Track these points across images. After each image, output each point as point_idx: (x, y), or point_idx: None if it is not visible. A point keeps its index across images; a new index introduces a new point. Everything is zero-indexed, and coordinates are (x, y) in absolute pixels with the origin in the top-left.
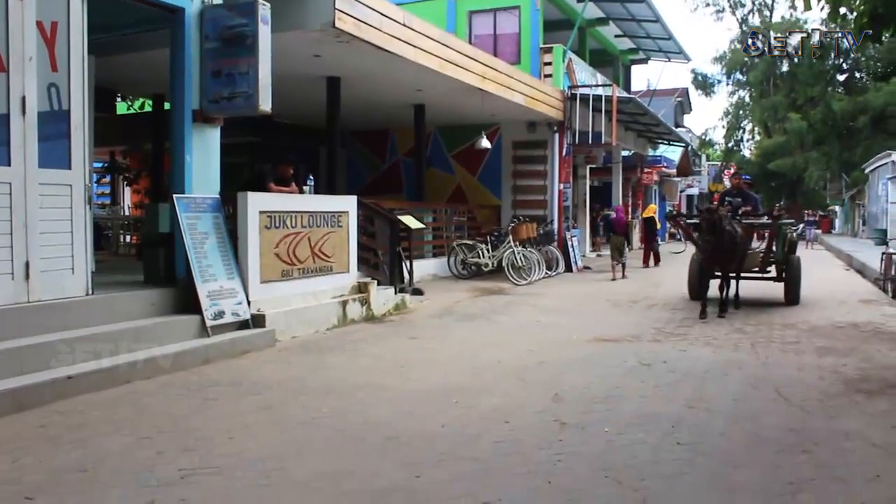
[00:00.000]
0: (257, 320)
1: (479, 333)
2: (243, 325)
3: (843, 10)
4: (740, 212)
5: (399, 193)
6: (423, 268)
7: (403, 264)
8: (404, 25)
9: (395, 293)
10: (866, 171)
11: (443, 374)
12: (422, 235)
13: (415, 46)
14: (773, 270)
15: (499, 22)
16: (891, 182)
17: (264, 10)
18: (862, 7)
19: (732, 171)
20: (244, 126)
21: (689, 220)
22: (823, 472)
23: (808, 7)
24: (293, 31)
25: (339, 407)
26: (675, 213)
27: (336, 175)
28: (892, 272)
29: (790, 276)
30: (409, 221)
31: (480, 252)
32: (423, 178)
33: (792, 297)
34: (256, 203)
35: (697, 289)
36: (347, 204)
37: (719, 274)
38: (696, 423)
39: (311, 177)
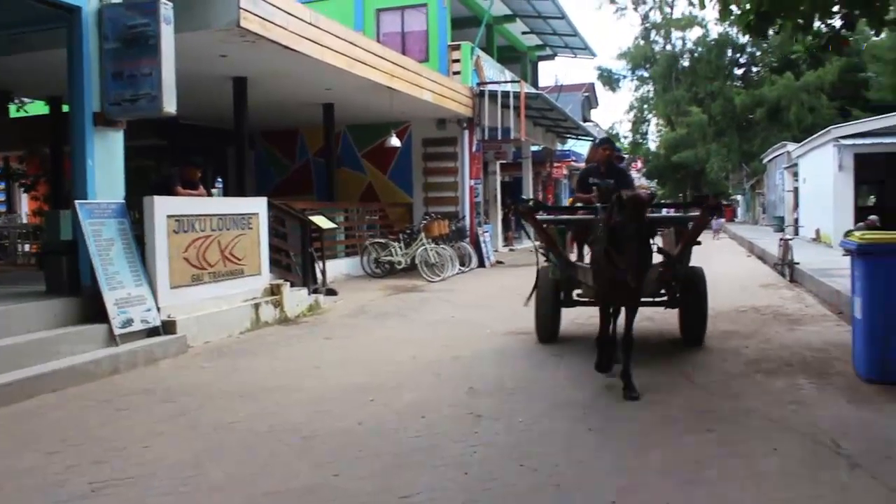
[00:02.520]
0: (168, 327)
1: (393, 331)
2: (153, 332)
3: (732, 7)
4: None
5: (310, 194)
6: (337, 268)
7: (316, 265)
8: (311, 24)
9: (309, 294)
10: (764, 161)
11: (358, 372)
12: (334, 235)
13: (322, 45)
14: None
15: (406, 19)
16: (787, 171)
17: (166, 10)
18: (748, 5)
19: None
20: (149, 128)
21: (567, 215)
22: (726, 449)
23: (702, 6)
24: (197, 30)
25: (255, 410)
26: (532, 202)
27: (245, 177)
28: (789, 257)
29: (694, 299)
30: (321, 222)
31: (393, 250)
32: (333, 178)
33: (696, 332)
34: (163, 207)
35: (550, 327)
36: (257, 206)
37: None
38: (606, 409)
39: (220, 179)
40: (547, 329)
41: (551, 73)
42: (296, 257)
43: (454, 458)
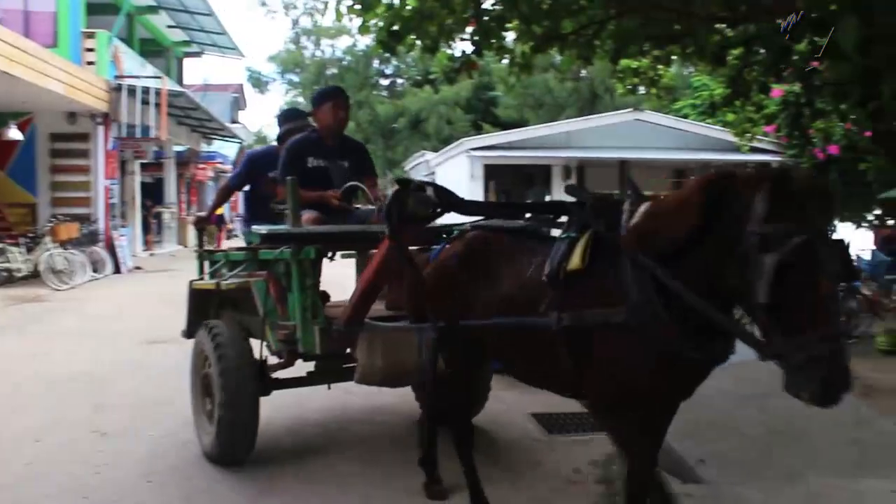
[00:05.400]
0: None
1: (12, 347)
2: None
3: (370, 23)
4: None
5: None
6: None
7: None
8: None
9: None
10: (406, 168)
11: None
12: None
13: None
14: None
15: None
16: (426, 178)
17: None
18: (382, 23)
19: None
20: None
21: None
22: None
23: (338, 18)
24: None
25: None
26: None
27: None
28: None
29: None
30: None
31: (12, 256)
32: None
33: None
34: None
35: (247, 436)
36: None
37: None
38: None
39: None
40: (243, 440)
41: (201, 71)
42: None
43: (74, 482)
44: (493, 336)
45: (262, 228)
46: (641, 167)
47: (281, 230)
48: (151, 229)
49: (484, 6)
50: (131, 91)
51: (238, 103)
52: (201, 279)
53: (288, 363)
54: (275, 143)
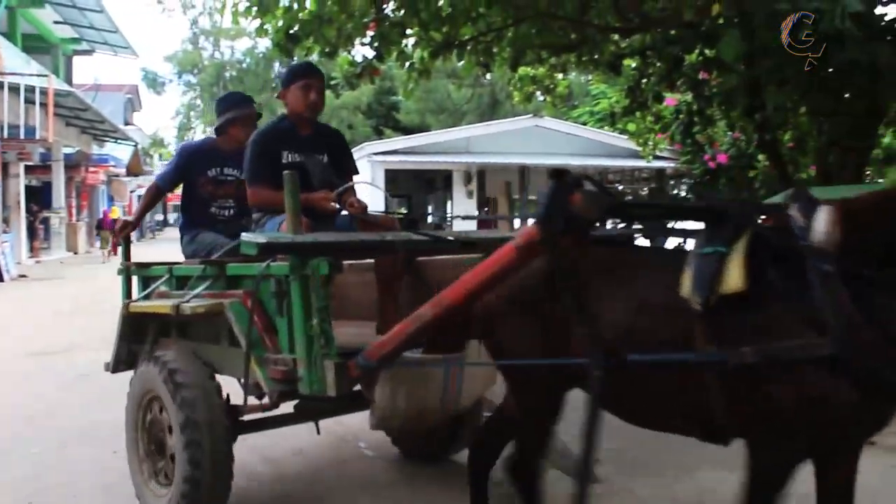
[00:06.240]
0: None
1: None
2: None
3: (267, 26)
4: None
5: None
6: None
7: None
8: None
9: None
10: None
11: None
12: None
13: None
14: None
15: None
16: None
17: None
18: (279, 26)
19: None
20: None
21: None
22: None
23: (235, 21)
24: None
25: None
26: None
27: None
28: None
29: None
30: None
31: None
32: None
33: None
34: None
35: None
36: None
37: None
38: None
39: None
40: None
41: (92, 70)
42: None
43: None
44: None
45: (260, 237)
46: (541, 173)
47: (286, 239)
48: (38, 235)
49: (384, 12)
50: (13, 89)
51: (132, 104)
52: (133, 300)
53: (274, 405)
54: (212, 136)
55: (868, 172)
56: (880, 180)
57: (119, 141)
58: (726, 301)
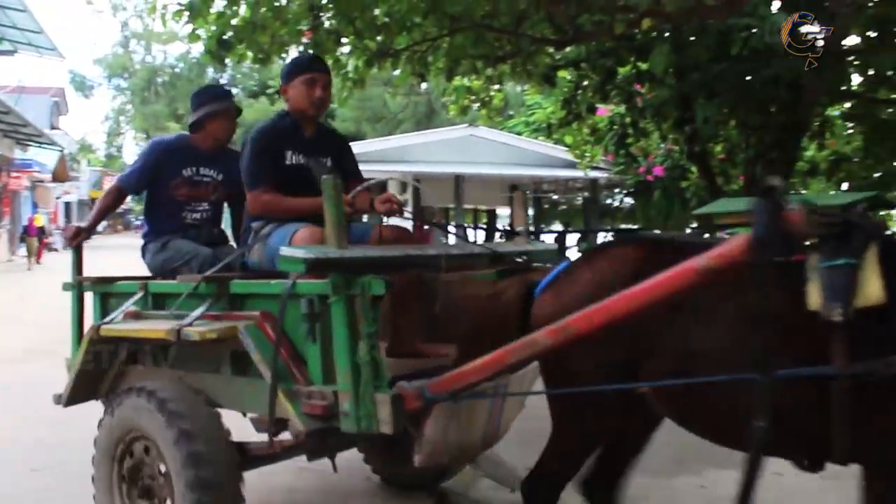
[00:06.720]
0: None
1: None
2: None
3: (200, 31)
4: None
5: None
6: None
7: None
8: None
9: None
10: None
11: None
12: None
13: None
14: None
15: None
16: None
17: None
18: (212, 31)
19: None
20: None
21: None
22: None
23: (165, 24)
24: None
25: None
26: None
27: None
28: None
29: None
30: None
31: None
32: None
33: None
34: None
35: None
36: None
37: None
38: (57, 445)
39: None
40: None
41: (15, 71)
42: None
43: None
44: (686, 394)
45: (306, 251)
46: (475, 182)
47: (335, 255)
48: None
49: (320, 19)
50: None
51: (59, 108)
52: (104, 321)
53: (308, 447)
54: (186, 133)
55: (794, 183)
56: (803, 191)
57: (44, 145)
58: (863, 314)
